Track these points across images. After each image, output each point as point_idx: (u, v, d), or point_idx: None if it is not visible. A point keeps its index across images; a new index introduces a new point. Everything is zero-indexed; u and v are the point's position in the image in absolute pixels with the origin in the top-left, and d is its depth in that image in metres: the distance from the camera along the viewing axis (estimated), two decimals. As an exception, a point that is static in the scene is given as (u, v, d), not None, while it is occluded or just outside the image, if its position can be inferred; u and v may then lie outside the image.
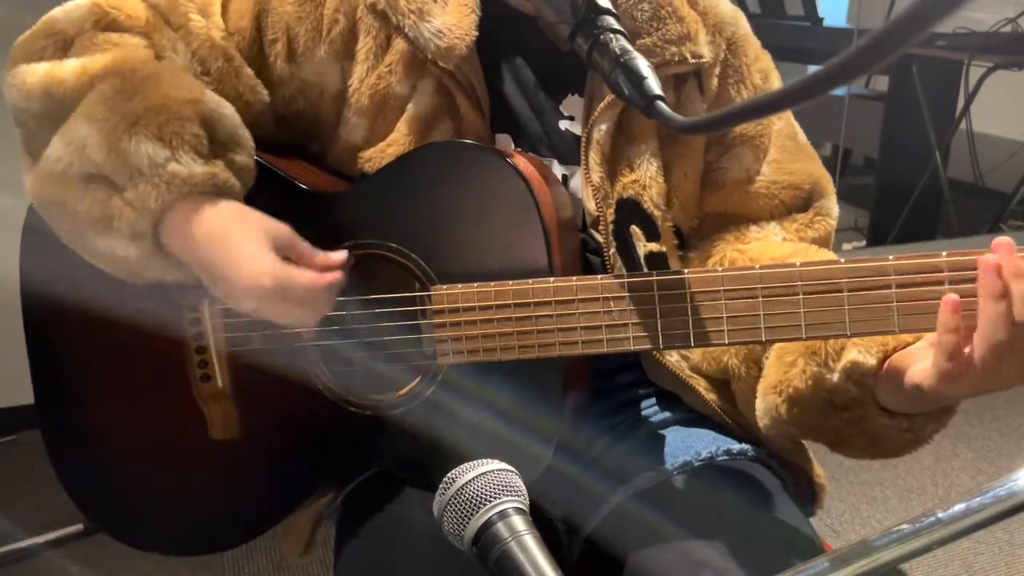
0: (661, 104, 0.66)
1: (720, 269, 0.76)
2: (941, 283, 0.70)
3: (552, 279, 0.79)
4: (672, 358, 0.93)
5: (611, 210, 0.88)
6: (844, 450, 0.83)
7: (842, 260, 0.73)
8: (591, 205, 0.87)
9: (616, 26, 0.70)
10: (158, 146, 0.77)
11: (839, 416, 0.79)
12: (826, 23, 3.98)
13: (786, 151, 0.94)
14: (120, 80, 0.78)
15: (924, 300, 0.71)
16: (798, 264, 0.73)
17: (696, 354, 0.93)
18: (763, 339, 0.75)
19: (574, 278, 0.79)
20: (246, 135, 0.84)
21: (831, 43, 3.64)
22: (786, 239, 0.92)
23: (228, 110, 0.83)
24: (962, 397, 0.71)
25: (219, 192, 0.79)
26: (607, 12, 0.70)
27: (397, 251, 0.83)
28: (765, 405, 0.84)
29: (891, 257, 0.71)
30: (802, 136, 0.96)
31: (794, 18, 3.96)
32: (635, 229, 0.89)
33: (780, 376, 0.82)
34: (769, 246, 0.90)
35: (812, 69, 0.67)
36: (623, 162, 0.89)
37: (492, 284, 0.79)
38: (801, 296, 0.73)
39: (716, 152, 0.93)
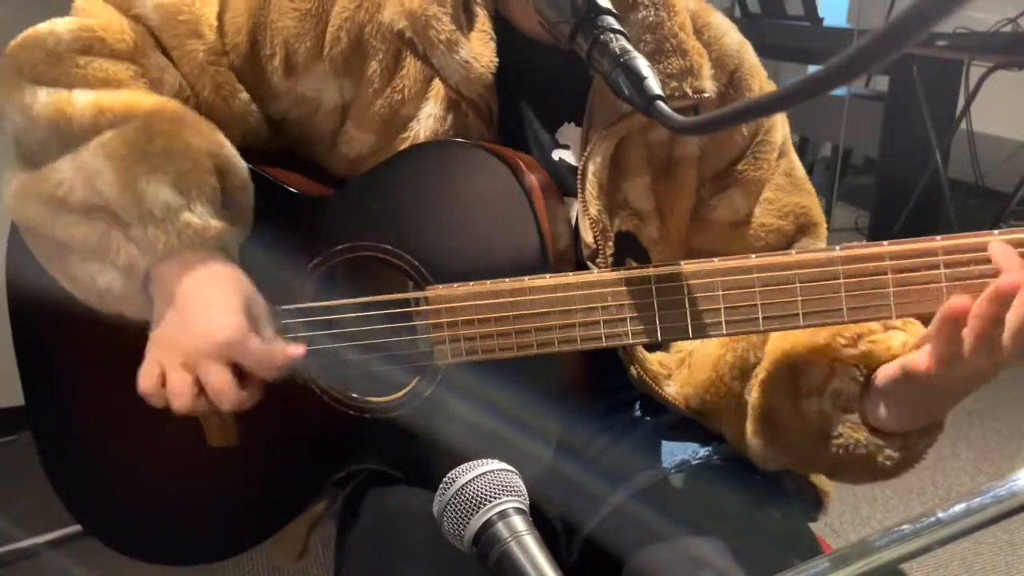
0: (661, 104, 0.65)
1: (716, 260, 0.75)
2: (936, 267, 0.71)
3: (548, 275, 0.78)
4: (670, 390, 0.92)
5: (610, 243, 0.87)
6: (842, 477, 0.83)
7: (838, 248, 0.73)
8: (589, 238, 0.86)
9: (616, 26, 0.70)
10: (175, 193, 0.77)
11: (833, 443, 0.79)
12: (826, 23, 3.99)
13: (780, 189, 0.92)
14: (141, 122, 0.78)
15: (920, 284, 0.71)
16: (794, 252, 0.74)
17: (683, 399, 0.92)
18: (761, 328, 0.75)
19: (570, 274, 0.78)
20: (248, 177, 0.85)
21: (831, 43, 3.64)
22: None
23: (241, 162, 0.84)
24: (951, 391, 0.71)
25: (223, 247, 0.81)
26: (607, 12, 0.70)
27: (391, 252, 0.83)
28: (757, 442, 0.84)
29: (886, 243, 0.72)
30: (799, 171, 0.94)
31: (794, 18, 3.97)
32: (631, 262, 0.88)
33: (766, 409, 0.82)
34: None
35: (812, 69, 0.67)
36: (620, 195, 0.89)
37: (488, 282, 0.79)
38: (798, 284, 0.73)
39: (710, 190, 0.92)
